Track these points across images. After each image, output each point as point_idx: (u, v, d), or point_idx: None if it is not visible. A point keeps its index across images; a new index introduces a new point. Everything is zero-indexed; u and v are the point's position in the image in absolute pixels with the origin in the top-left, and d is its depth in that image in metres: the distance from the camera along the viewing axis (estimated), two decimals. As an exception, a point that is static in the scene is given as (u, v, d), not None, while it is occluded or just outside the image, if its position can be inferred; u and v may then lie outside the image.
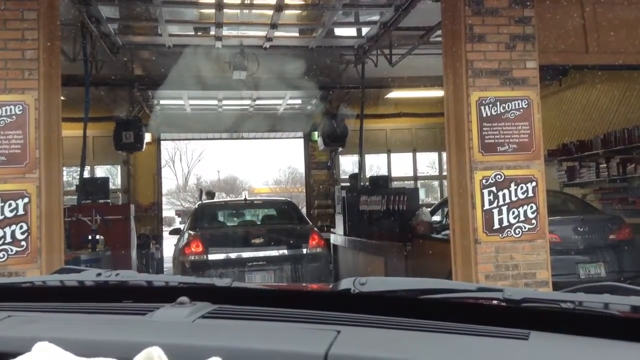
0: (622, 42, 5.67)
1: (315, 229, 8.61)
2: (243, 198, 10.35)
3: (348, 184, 11.55)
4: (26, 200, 4.69)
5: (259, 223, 9.26)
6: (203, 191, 12.17)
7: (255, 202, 11.22)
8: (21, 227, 4.69)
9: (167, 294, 1.01)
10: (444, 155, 6.08)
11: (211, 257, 7.48)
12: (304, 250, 7.69)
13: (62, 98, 7.28)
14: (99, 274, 1.13)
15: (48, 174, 4.85)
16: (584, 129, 10.86)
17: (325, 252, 8.09)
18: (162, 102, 11.81)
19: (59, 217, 5.04)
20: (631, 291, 1.19)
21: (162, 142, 13.79)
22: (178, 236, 8.89)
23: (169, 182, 41.95)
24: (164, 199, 13.83)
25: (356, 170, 11.96)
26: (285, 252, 7.64)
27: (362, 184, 11.20)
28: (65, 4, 5.99)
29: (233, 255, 7.56)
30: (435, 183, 16.29)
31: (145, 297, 1.06)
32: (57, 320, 0.96)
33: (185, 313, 0.93)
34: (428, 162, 16.36)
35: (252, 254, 7.54)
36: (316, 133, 12.54)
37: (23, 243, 4.68)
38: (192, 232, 7.98)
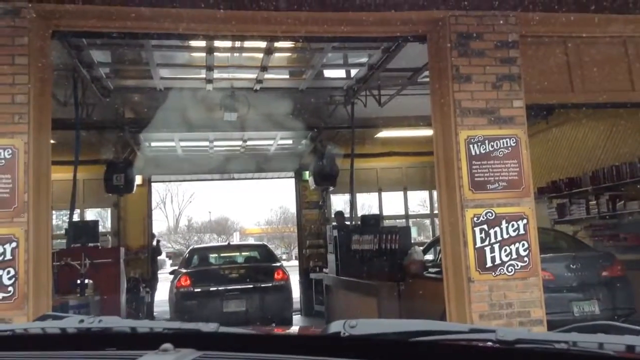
0: (606, 80, 5.77)
1: (282, 266, 10.51)
2: (227, 243, 14.23)
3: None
4: (14, 244, 4.62)
5: (237, 262, 11.26)
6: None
7: (236, 245, 13.56)
8: (8, 272, 4.60)
9: (151, 340, 0.98)
10: (435, 193, 6.10)
11: (197, 289, 9.53)
12: (270, 283, 9.78)
13: (52, 141, 7.30)
14: (82, 321, 1.10)
15: (36, 218, 4.79)
16: (572, 166, 10.96)
17: (287, 284, 10.00)
18: (153, 144, 11.83)
19: (47, 262, 4.96)
20: (625, 330, 1.18)
21: (153, 184, 13.75)
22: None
23: (160, 224, 41.74)
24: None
25: (347, 208, 11.96)
26: (256, 284, 9.67)
27: (352, 222, 11.18)
28: (56, 48, 6.04)
29: (214, 288, 9.55)
30: (427, 221, 16.28)
31: (130, 344, 1.03)
32: (37, 370, 0.93)
33: (169, 361, 0.90)
34: (419, 201, 16.41)
35: (229, 286, 9.55)
36: (307, 172, 12.57)
37: (10, 289, 4.59)
38: (183, 270, 10.17)
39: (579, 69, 5.82)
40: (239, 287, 9.54)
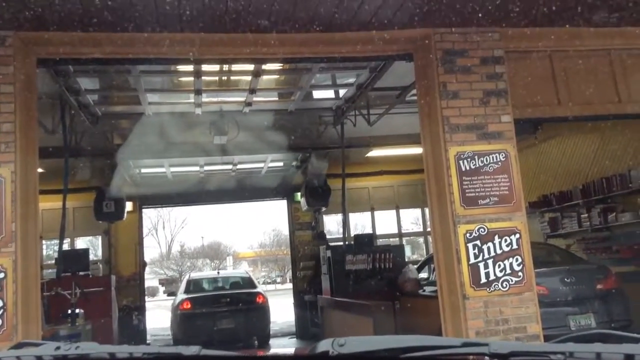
0: (593, 92, 5.81)
1: (261, 292, 12.91)
2: (217, 272, 17.87)
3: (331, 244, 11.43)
4: (2, 275, 4.55)
5: (226, 288, 13.44)
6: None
7: (224, 275, 16.04)
8: (-4, 304, 4.52)
9: (132, 367, 0.94)
10: (427, 210, 6.08)
11: (196, 310, 11.72)
12: (253, 306, 12.11)
13: (41, 170, 7.22)
14: (58, 348, 1.06)
15: (24, 248, 4.73)
16: (562, 179, 10.99)
17: (266, 305, 12.35)
18: (143, 170, 11.78)
19: (36, 292, 4.88)
20: (623, 338, 1.14)
21: (144, 210, 13.66)
22: (174, 297, 13.50)
23: (152, 251, 41.49)
24: (147, 268, 13.64)
25: (340, 229, 11.90)
26: (242, 306, 11.92)
27: (345, 242, 11.11)
28: (43, 76, 6.02)
29: (209, 309, 11.71)
30: (420, 239, 16.24)
31: (109, 371, 0.98)
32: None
33: (148, 387, 0.86)
34: (412, 219, 16.37)
35: (221, 308, 11.79)
36: (299, 194, 12.53)
37: (-2, 320, 4.50)
38: (184, 295, 12.38)
39: (565, 82, 5.86)
40: (229, 308, 11.82)
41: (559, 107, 5.84)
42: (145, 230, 14.83)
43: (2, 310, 4.51)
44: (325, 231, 13.36)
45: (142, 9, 4.62)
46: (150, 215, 42.43)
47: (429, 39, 5.40)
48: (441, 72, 5.35)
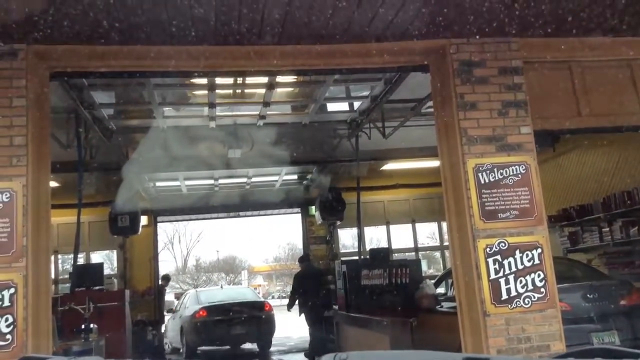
0: (613, 103, 5.66)
1: (267, 302, 14.52)
2: (220, 286, 19.37)
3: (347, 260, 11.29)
4: (12, 290, 4.49)
5: (234, 300, 14.45)
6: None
7: (231, 288, 18.06)
8: (7, 320, 4.46)
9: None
10: (444, 225, 5.95)
11: (210, 318, 12.99)
12: (261, 314, 13.52)
13: (57, 184, 7.19)
14: (62, 364, 0.98)
15: (35, 263, 4.67)
16: (583, 193, 10.78)
17: (272, 314, 13.75)
18: (157, 184, 11.77)
19: (47, 308, 4.81)
20: (624, 354, 1.04)
21: (159, 224, 13.68)
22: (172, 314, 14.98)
23: (167, 265, 41.54)
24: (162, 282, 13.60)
25: (355, 243, 11.78)
26: (251, 314, 13.30)
27: (360, 257, 10.96)
28: (57, 90, 6.01)
29: (222, 317, 13.00)
30: (437, 254, 16.04)
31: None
32: None
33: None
34: (428, 233, 16.18)
35: (232, 315, 13.08)
36: (313, 207, 12.44)
37: (8, 337, 4.44)
38: (199, 305, 13.52)
39: (585, 93, 5.71)
40: (240, 315, 13.18)
41: (579, 119, 5.69)
42: (160, 245, 14.97)
43: (12, 326, 4.45)
44: (341, 245, 13.28)
45: (149, 30, 4.64)
46: (166, 229, 42.63)
47: (445, 49, 5.31)
48: (458, 83, 5.24)
